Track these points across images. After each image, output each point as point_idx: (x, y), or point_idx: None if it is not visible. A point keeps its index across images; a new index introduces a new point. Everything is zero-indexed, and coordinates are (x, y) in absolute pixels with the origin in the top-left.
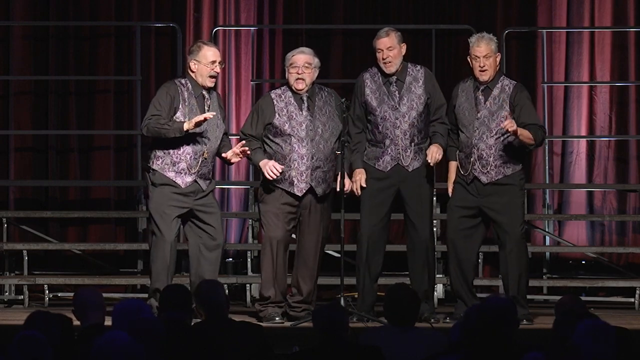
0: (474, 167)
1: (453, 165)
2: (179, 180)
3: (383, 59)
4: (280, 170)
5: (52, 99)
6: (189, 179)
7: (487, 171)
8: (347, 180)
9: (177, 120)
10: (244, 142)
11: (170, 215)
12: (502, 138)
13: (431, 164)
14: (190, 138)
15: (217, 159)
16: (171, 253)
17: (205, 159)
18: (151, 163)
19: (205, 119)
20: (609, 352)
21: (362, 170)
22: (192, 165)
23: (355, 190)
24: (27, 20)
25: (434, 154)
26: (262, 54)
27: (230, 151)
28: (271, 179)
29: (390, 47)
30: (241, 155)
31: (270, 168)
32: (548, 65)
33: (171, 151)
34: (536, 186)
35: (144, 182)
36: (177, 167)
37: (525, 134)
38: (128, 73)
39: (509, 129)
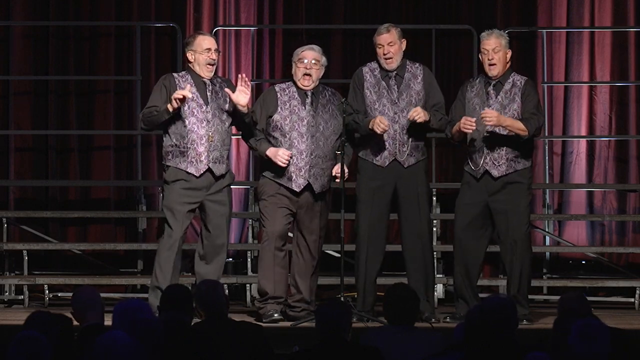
0: (486, 160)
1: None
2: (192, 170)
3: (384, 54)
4: (290, 156)
5: (52, 99)
6: (201, 165)
7: (499, 165)
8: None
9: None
10: (243, 74)
11: (181, 211)
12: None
13: (410, 114)
14: (192, 125)
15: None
16: (178, 249)
17: (212, 142)
18: (165, 161)
19: (184, 96)
20: (603, 352)
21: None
22: (201, 152)
23: (378, 124)
24: (27, 20)
25: (419, 110)
26: (262, 54)
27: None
28: (284, 165)
29: (391, 42)
30: (245, 84)
31: (281, 156)
32: (548, 65)
33: (177, 142)
34: (536, 186)
35: (144, 182)
36: (187, 156)
37: (515, 125)
38: (128, 73)
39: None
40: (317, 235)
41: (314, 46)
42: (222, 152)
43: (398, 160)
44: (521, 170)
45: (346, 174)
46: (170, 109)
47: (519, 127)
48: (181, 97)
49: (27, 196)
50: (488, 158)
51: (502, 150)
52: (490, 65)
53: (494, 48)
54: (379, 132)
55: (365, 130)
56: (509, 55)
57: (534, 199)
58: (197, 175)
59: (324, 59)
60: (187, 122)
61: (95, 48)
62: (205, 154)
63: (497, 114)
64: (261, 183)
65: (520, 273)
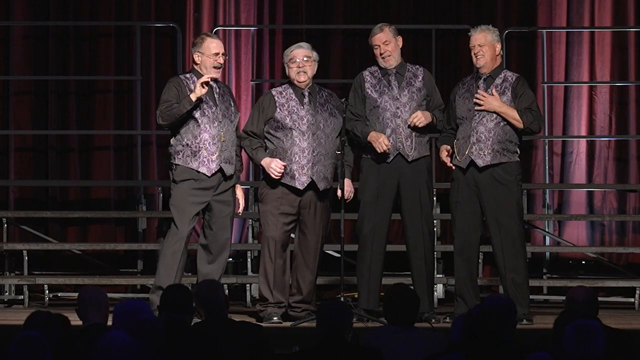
0: (471, 150)
1: (443, 147)
2: (203, 169)
3: (381, 53)
4: (283, 167)
5: (52, 99)
6: (213, 165)
7: (484, 154)
8: (347, 182)
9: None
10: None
11: (190, 211)
12: (501, 123)
13: (410, 120)
14: (204, 124)
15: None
16: (183, 249)
17: (224, 141)
18: (173, 159)
19: (210, 79)
20: (597, 354)
21: (378, 133)
22: (213, 151)
23: (381, 143)
24: (27, 20)
25: (419, 115)
26: (262, 54)
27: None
28: (277, 177)
29: (386, 41)
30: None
31: (274, 168)
32: (548, 65)
33: (189, 142)
34: (536, 186)
35: (144, 182)
36: (198, 156)
37: (510, 113)
38: (128, 73)
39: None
40: (319, 236)
41: (302, 43)
42: (232, 152)
43: (402, 154)
44: (507, 164)
45: (349, 192)
46: (194, 98)
47: (514, 116)
48: (208, 80)
49: (27, 196)
50: (474, 148)
51: (489, 140)
52: (477, 58)
53: (480, 43)
54: (379, 151)
55: (365, 143)
56: (498, 49)
57: (533, 199)
58: (209, 175)
59: (314, 54)
60: (200, 121)
61: (95, 48)
62: (217, 153)
63: (492, 98)
64: (263, 186)
65: (515, 274)
